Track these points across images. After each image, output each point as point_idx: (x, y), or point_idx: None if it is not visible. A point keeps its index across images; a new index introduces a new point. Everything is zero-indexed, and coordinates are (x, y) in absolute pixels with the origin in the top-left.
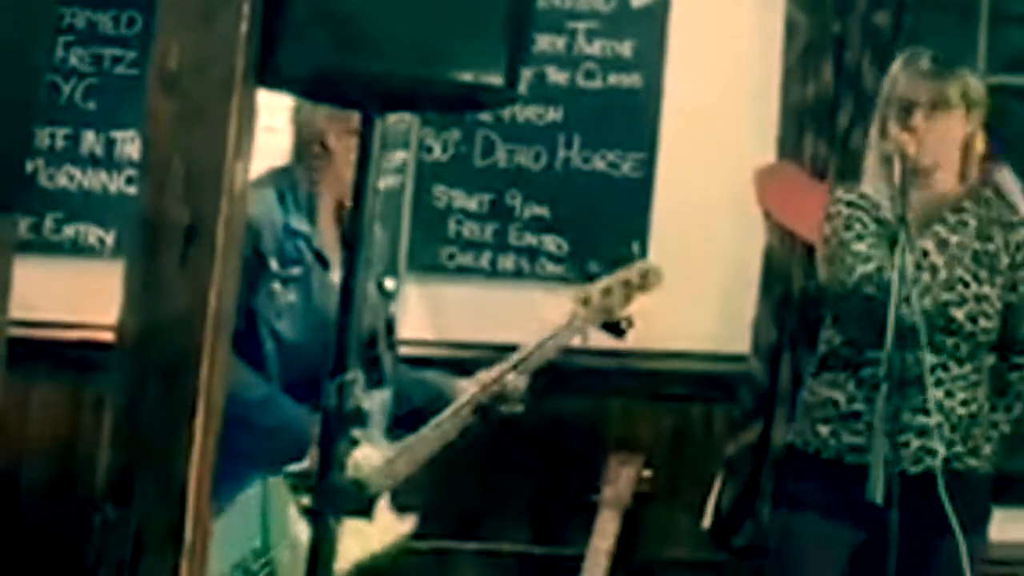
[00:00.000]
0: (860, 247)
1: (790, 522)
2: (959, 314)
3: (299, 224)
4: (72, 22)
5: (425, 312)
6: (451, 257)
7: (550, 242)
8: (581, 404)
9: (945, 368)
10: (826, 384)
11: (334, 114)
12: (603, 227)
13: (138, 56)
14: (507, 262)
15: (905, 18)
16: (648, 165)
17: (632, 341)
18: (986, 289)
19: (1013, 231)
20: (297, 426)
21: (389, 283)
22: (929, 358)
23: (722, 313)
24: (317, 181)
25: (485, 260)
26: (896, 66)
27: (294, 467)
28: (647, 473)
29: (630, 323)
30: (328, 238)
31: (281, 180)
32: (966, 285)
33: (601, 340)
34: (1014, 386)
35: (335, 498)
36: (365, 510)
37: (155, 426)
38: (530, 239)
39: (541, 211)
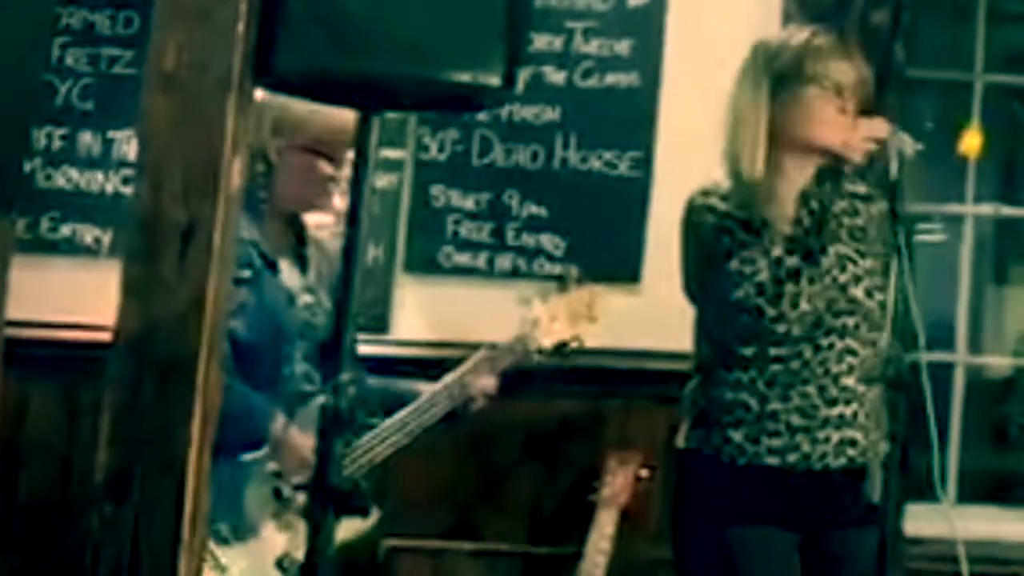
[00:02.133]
0: (734, 265)
1: (726, 537)
2: (858, 292)
3: (248, 232)
4: (69, 22)
5: (422, 312)
6: (448, 257)
7: (547, 242)
8: (579, 403)
9: (853, 353)
10: (729, 386)
11: (278, 130)
12: (601, 226)
13: (135, 56)
14: (504, 262)
15: (903, 17)
16: (646, 164)
17: (630, 341)
18: (869, 263)
19: (872, 203)
20: (256, 414)
21: None
22: (839, 343)
23: None
24: (262, 198)
25: (482, 260)
26: (814, 41)
27: (250, 456)
28: (645, 473)
29: (578, 344)
30: (277, 247)
31: None
32: (854, 262)
33: (598, 340)
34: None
35: (331, 498)
36: (363, 509)
37: (152, 426)
38: (527, 239)
39: (539, 211)
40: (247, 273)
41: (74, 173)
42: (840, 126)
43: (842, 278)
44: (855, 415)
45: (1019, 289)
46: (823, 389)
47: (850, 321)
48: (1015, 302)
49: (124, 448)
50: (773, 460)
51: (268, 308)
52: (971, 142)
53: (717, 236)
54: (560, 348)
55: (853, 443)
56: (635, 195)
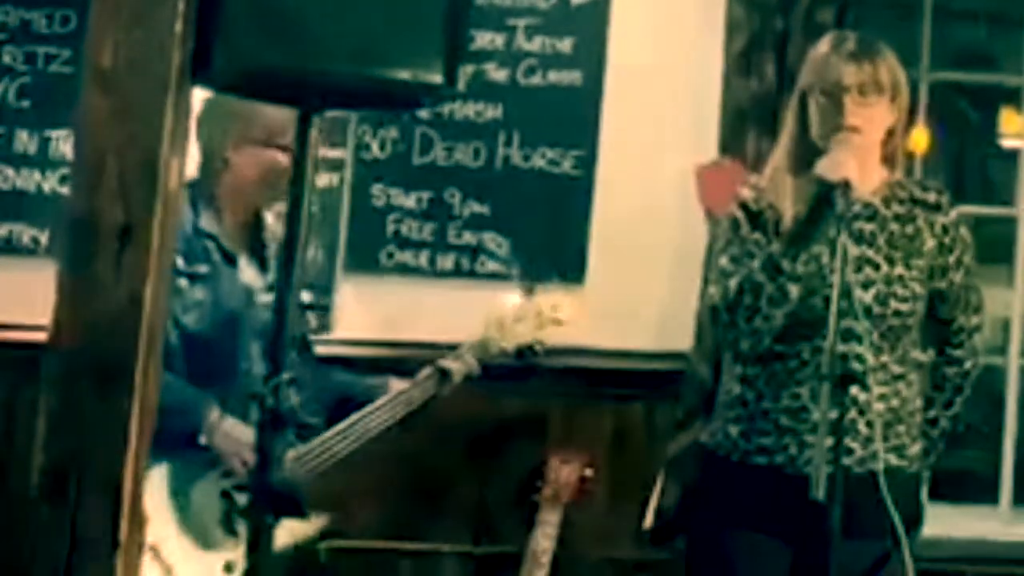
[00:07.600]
0: (722, 261)
1: (713, 536)
2: (865, 296)
3: (209, 225)
4: (5, 20)
5: (364, 311)
6: (390, 256)
7: (490, 240)
8: (521, 403)
9: (859, 359)
10: (738, 380)
11: (234, 127)
12: (543, 225)
13: (73, 54)
14: (446, 261)
15: (848, 14)
16: (589, 162)
17: (574, 339)
18: (899, 270)
19: (938, 212)
20: (190, 407)
21: (304, 295)
22: (840, 347)
23: (664, 311)
24: (218, 195)
25: (424, 259)
26: (823, 48)
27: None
28: (588, 472)
29: (535, 352)
30: (237, 242)
31: (194, 186)
32: (875, 267)
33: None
34: (951, 380)
35: (271, 498)
36: (299, 511)
37: (89, 427)
38: (469, 237)
39: (481, 209)
40: (204, 269)
41: (10, 172)
42: (846, 134)
43: (850, 279)
44: (853, 423)
45: None
46: (815, 392)
47: (857, 326)
48: None
49: (60, 450)
50: (761, 459)
51: (224, 304)
52: (918, 140)
53: (728, 226)
54: (523, 351)
55: (849, 451)
56: (578, 193)
